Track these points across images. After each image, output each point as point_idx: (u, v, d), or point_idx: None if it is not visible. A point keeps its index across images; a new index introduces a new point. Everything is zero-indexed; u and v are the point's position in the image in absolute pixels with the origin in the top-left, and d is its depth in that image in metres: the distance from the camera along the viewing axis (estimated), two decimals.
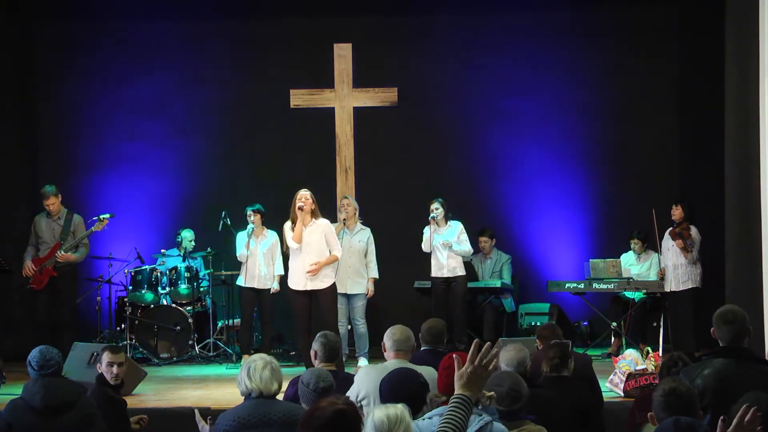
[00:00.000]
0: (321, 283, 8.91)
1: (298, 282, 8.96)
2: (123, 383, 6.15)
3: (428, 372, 4.81)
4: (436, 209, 9.90)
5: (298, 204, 8.88)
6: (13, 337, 10.48)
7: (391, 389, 4.37)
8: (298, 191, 8.99)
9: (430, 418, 3.87)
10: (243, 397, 4.59)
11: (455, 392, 3.52)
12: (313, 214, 8.97)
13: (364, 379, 5.18)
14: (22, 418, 5.01)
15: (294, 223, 8.94)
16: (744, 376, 4.43)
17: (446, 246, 9.87)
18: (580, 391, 5.72)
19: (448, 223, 10.00)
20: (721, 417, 3.27)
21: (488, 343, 3.62)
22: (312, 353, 5.69)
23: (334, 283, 9.05)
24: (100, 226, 9.72)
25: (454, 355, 3.65)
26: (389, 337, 5.41)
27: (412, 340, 5.46)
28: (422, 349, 6.07)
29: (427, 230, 9.99)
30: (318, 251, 8.92)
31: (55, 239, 9.71)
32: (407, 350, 5.40)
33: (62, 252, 9.59)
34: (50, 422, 5.02)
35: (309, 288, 8.90)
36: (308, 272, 8.85)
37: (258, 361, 4.51)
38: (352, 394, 5.15)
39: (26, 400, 5.06)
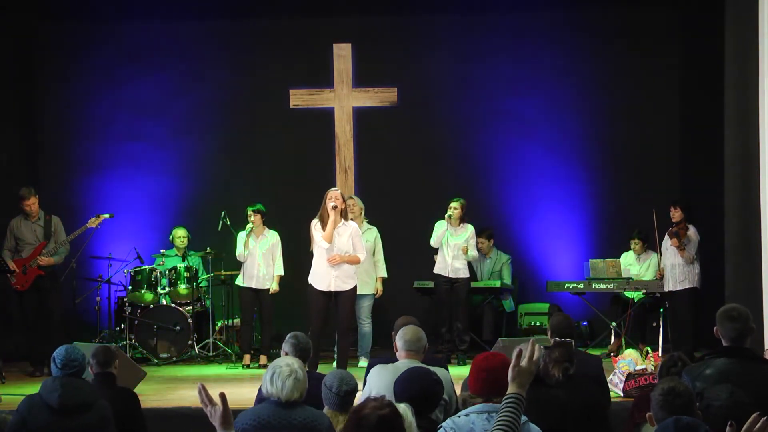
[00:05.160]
0: (344, 285, 8.73)
1: (321, 282, 8.73)
2: None
3: (441, 372, 4.84)
4: (455, 209, 9.82)
5: (331, 204, 8.55)
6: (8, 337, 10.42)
7: (405, 388, 4.40)
8: (328, 190, 8.76)
9: (467, 415, 3.86)
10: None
11: (510, 391, 3.48)
12: (343, 215, 8.74)
13: (376, 379, 5.20)
14: (38, 416, 5.00)
15: (323, 221, 8.66)
16: (746, 376, 4.39)
17: (463, 252, 9.80)
18: (590, 389, 5.71)
19: (462, 224, 9.96)
20: (729, 422, 3.23)
21: (532, 340, 3.61)
22: (282, 353, 5.59)
23: (356, 286, 8.89)
24: (95, 223, 9.67)
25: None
26: (401, 338, 5.39)
27: (424, 340, 5.41)
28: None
29: (440, 226, 9.90)
30: (344, 253, 8.70)
31: (38, 240, 9.54)
32: (418, 350, 5.36)
33: (43, 257, 9.43)
34: (65, 422, 5.00)
35: (332, 289, 8.71)
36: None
37: (284, 367, 4.37)
38: (364, 395, 5.15)
39: (43, 398, 5.05)
